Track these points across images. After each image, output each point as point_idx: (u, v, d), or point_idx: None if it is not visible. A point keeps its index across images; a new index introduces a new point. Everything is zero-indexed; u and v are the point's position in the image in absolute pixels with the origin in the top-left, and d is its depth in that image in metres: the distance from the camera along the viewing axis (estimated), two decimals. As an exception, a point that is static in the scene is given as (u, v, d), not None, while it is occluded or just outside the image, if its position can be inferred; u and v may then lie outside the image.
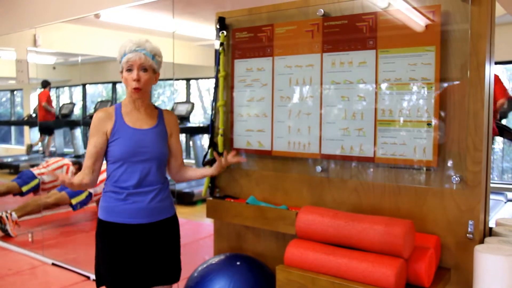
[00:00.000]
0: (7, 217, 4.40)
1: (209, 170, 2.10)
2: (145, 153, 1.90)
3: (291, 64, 2.20)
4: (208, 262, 2.28)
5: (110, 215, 1.92)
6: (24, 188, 5.00)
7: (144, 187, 1.91)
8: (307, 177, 2.19)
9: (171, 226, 2.02)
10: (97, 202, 5.01)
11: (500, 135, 4.78)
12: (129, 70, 1.88)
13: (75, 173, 5.20)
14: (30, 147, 7.11)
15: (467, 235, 1.78)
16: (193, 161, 7.15)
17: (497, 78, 4.49)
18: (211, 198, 2.40)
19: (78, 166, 5.41)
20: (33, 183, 5.02)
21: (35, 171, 5.11)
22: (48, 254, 3.93)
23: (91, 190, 4.69)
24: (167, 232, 1.99)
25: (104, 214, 1.94)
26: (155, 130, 1.96)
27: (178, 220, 2.08)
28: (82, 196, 4.68)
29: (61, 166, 5.23)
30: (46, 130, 6.53)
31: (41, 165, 5.21)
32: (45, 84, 6.17)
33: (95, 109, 6.89)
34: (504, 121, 4.95)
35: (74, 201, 4.62)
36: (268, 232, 2.33)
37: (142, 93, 1.91)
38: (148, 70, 1.89)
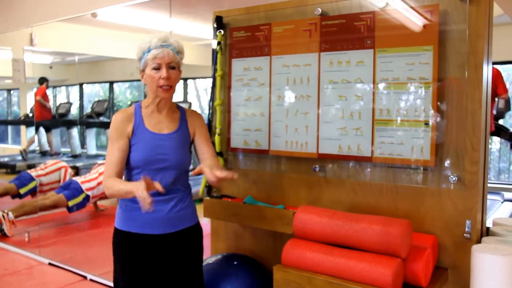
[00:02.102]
0: (3, 216, 4.39)
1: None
2: (164, 161, 1.77)
3: (288, 64, 2.19)
4: (205, 262, 2.27)
5: (126, 223, 1.82)
6: (22, 190, 5.00)
7: (163, 195, 1.77)
8: (304, 177, 2.19)
9: (193, 235, 1.90)
10: (95, 204, 5.03)
11: (497, 135, 4.78)
12: (156, 68, 1.76)
13: (73, 175, 5.23)
14: (24, 152, 7.00)
15: (465, 235, 1.78)
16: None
17: (499, 74, 4.47)
18: (208, 198, 2.39)
19: (76, 170, 5.43)
20: (31, 185, 5.02)
21: (33, 173, 5.10)
22: (44, 254, 3.91)
23: (89, 193, 4.69)
24: (189, 242, 1.88)
25: (119, 223, 1.84)
26: (175, 135, 1.84)
27: (201, 229, 1.95)
28: (79, 199, 4.67)
29: (59, 168, 5.23)
30: (43, 128, 6.50)
31: (39, 167, 5.20)
32: (42, 80, 6.12)
33: (92, 109, 6.87)
34: (501, 121, 4.95)
35: (71, 203, 4.62)
36: (265, 232, 2.32)
37: (171, 92, 1.81)
38: (176, 67, 1.80)
